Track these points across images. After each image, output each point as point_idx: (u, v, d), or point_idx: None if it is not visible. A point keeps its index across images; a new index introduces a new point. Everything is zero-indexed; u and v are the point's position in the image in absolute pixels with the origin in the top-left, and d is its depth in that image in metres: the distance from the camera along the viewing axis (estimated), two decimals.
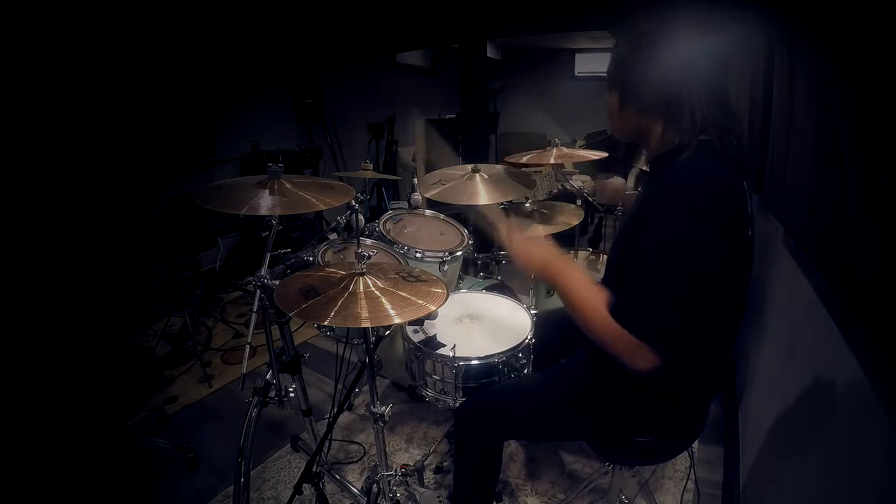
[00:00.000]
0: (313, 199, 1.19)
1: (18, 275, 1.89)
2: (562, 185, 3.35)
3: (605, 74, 1.03)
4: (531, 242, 1.10)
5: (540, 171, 3.32)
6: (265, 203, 1.15)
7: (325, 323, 0.94)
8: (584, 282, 0.97)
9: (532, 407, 1.14)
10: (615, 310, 0.88)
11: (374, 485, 1.30)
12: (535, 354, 1.41)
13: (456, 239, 1.91)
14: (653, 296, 0.86)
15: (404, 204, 2.10)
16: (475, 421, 1.18)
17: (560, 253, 1.07)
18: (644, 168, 2.49)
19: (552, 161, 1.84)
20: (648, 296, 0.86)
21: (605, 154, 1.86)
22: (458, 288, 1.86)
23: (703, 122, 0.89)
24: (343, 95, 4.42)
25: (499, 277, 2.13)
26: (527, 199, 2.13)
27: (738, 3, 1.62)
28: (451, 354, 1.30)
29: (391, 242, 1.73)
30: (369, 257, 1.07)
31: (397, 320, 0.94)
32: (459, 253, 1.80)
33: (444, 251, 1.76)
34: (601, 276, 1.12)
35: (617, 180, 4.29)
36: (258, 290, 1.20)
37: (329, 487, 1.59)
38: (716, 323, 0.92)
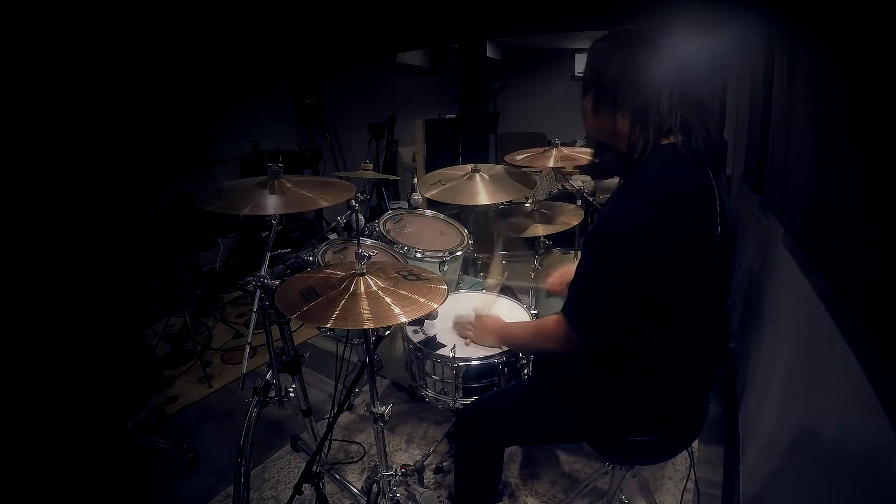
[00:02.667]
0: (314, 197, 1.20)
1: (19, 275, 1.89)
2: (562, 185, 3.35)
3: None
4: (483, 321, 1.37)
5: (540, 172, 3.32)
6: (266, 203, 1.16)
7: (328, 325, 0.94)
8: (528, 322, 1.34)
9: (532, 413, 1.14)
10: (564, 305, 1.00)
11: (374, 485, 1.30)
12: (534, 355, 1.41)
13: (456, 239, 1.91)
14: (578, 278, 0.97)
15: (404, 204, 2.10)
16: (475, 430, 1.19)
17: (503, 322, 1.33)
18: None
19: (551, 165, 1.82)
20: (576, 277, 0.97)
21: (610, 158, 1.85)
22: (458, 288, 1.86)
23: (671, 119, 0.91)
24: (343, 95, 4.42)
25: (499, 277, 2.12)
26: (527, 199, 2.13)
27: (738, 3, 1.62)
28: (451, 355, 1.30)
29: (391, 242, 1.73)
30: (369, 257, 1.07)
31: (400, 319, 0.94)
32: (459, 253, 1.80)
33: (444, 251, 1.76)
34: None
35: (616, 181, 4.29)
36: (258, 290, 1.20)
37: (329, 487, 1.59)
38: (639, 307, 0.93)
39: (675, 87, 0.91)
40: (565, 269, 1.52)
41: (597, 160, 1.14)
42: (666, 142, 0.92)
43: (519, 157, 1.92)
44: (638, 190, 0.91)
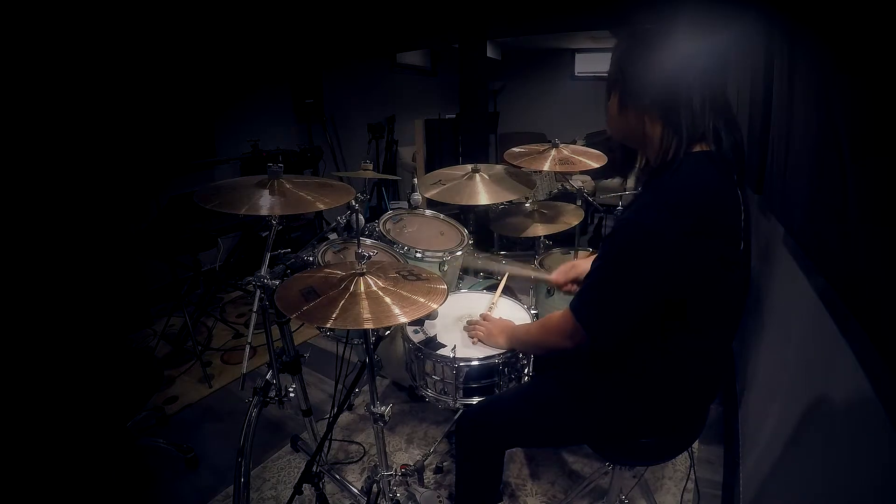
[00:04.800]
0: (312, 199, 1.19)
1: (19, 275, 1.89)
2: (562, 185, 3.35)
3: (605, 74, 1.01)
4: (494, 322, 1.37)
5: (540, 171, 3.31)
6: (265, 203, 1.16)
7: (328, 325, 0.94)
8: (533, 322, 1.34)
9: (533, 415, 1.14)
10: (573, 299, 1.00)
11: (374, 485, 1.30)
12: (534, 355, 1.41)
13: (456, 239, 1.91)
14: (592, 273, 0.95)
15: (404, 204, 2.10)
16: (477, 432, 1.18)
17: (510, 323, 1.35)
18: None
19: (548, 168, 1.80)
20: (590, 273, 0.96)
21: (605, 161, 1.85)
22: (458, 288, 1.86)
23: (703, 124, 0.88)
24: (343, 95, 4.42)
25: (498, 277, 2.12)
26: (527, 199, 2.14)
27: (738, 3, 1.62)
28: (451, 355, 1.30)
29: (391, 242, 1.73)
30: (369, 257, 1.07)
31: (399, 320, 0.94)
32: (459, 253, 1.80)
33: (444, 251, 1.76)
34: None
35: (615, 182, 4.29)
36: (258, 290, 1.20)
37: (329, 487, 1.59)
38: (650, 314, 0.91)
39: (707, 90, 0.87)
40: (572, 264, 1.49)
41: (617, 163, 1.12)
42: (697, 148, 0.89)
43: (518, 151, 1.91)
44: (665, 197, 0.88)
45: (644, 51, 0.91)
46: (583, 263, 1.43)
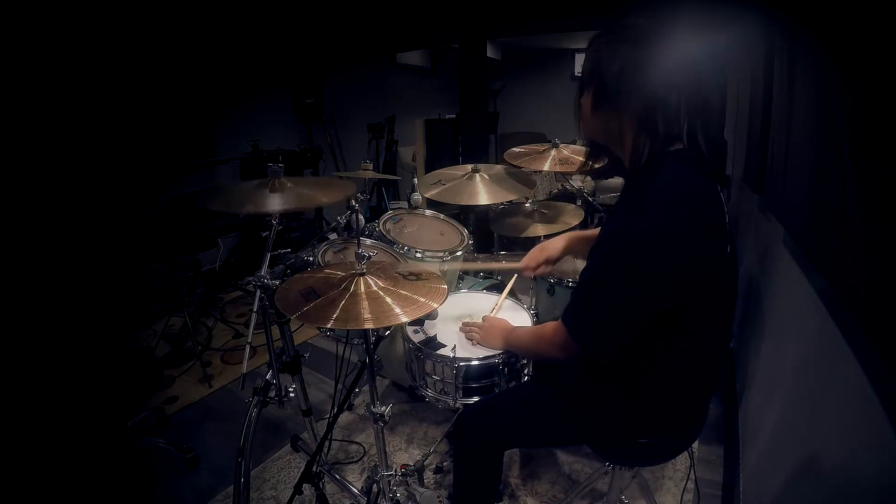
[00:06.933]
0: (313, 194, 1.20)
1: (19, 275, 1.89)
2: (562, 185, 3.35)
3: None
4: (491, 322, 1.37)
5: (539, 171, 3.32)
6: (267, 201, 1.16)
7: (328, 326, 0.94)
8: (530, 327, 1.31)
9: (532, 415, 1.14)
10: (564, 311, 0.98)
11: (374, 485, 1.30)
12: (536, 360, 1.41)
13: (456, 239, 1.91)
14: (583, 285, 0.93)
15: (404, 204, 2.10)
16: (475, 433, 1.18)
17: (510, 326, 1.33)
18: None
19: (548, 167, 1.81)
20: (581, 285, 0.94)
21: (606, 161, 1.85)
22: (458, 288, 1.86)
23: (679, 125, 0.86)
24: (343, 95, 4.42)
25: (499, 277, 2.12)
26: (527, 199, 2.14)
27: (738, 2, 1.62)
28: (451, 355, 1.30)
29: (391, 242, 1.73)
30: (369, 257, 1.07)
31: (400, 320, 0.94)
32: (459, 253, 1.80)
33: (444, 251, 1.76)
34: None
35: (616, 181, 4.29)
36: (258, 290, 1.20)
37: (329, 487, 1.59)
38: (647, 322, 0.90)
39: (683, 91, 0.85)
40: (541, 246, 1.41)
41: (591, 163, 1.09)
42: (672, 148, 0.87)
43: (518, 151, 1.91)
44: (651, 199, 0.85)
45: (620, 47, 0.87)
46: (552, 244, 1.38)
